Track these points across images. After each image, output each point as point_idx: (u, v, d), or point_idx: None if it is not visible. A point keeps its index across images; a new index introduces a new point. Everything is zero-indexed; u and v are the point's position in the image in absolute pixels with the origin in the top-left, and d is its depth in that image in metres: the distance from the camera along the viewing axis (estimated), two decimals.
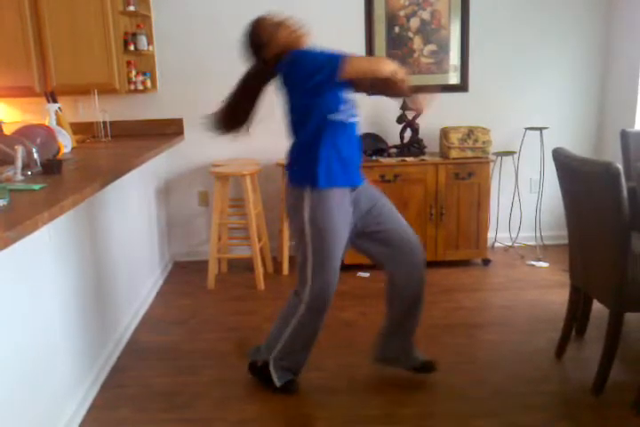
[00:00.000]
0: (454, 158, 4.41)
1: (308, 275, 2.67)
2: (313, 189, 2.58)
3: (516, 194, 4.92)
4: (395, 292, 2.85)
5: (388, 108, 4.34)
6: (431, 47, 4.72)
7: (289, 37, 2.66)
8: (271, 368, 2.82)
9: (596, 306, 3.01)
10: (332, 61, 2.43)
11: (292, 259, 4.51)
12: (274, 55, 2.67)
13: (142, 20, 4.49)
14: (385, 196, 2.84)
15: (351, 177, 2.68)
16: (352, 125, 2.63)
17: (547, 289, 4.07)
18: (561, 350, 3.12)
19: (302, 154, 2.63)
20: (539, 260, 4.66)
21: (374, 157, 4.49)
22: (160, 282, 4.42)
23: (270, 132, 4.73)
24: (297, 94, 2.60)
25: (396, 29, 4.67)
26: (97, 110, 4.35)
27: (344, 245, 2.71)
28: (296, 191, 2.64)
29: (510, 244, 5.00)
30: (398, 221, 2.84)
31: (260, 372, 2.89)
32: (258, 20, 2.76)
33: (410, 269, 2.81)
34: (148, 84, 4.55)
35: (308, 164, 2.59)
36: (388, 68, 2.47)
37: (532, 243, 4.95)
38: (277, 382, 2.80)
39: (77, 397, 2.70)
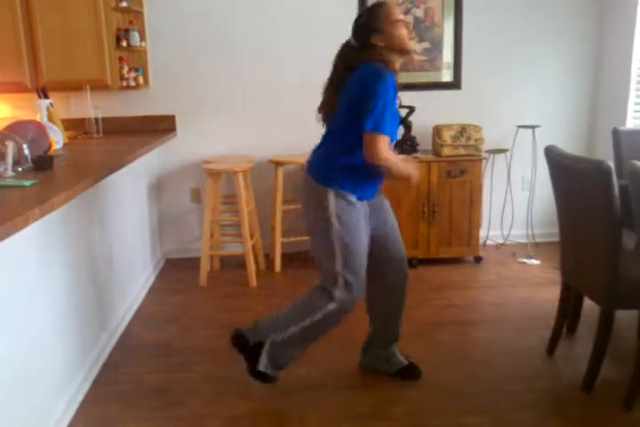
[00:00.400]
0: (447, 156, 4.41)
1: (338, 272, 2.62)
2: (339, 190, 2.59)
3: (508, 192, 4.93)
4: (375, 301, 2.90)
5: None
6: (424, 45, 4.72)
7: (394, 41, 2.53)
8: (264, 351, 2.75)
9: (588, 304, 3.02)
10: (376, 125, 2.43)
11: (284, 256, 4.52)
12: (370, 48, 2.53)
13: (135, 16, 4.47)
14: (390, 207, 2.86)
15: (373, 192, 2.72)
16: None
17: (538, 287, 4.09)
18: (552, 347, 3.13)
19: (341, 159, 2.59)
20: (530, 257, 4.67)
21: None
22: (152, 279, 4.41)
23: (263, 130, 4.75)
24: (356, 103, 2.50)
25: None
26: (89, 106, 4.33)
27: (368, 243, 2.70)
28: (321, 188, 2.60)
29: (502, 241, 5.01)
30: (396, 234, 2.86)
31: (248, 347, 2.81)
32: (387, 4, 2.56)
33: (394, 281, 2.86)
34: (141, 80, 4.53)
35: (342, 169, 2.58)
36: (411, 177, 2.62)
37: (524, 241, 4.96)
38: (261, 368, 2.76)
39: (69, 393, 2.70)
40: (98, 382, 2.96)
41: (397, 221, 2.88)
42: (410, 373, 2.93)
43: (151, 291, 4.21)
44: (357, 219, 2.61)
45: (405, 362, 2.94)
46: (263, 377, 2.79)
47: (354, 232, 2.60)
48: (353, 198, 2.59)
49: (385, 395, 2.81)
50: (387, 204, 2.84)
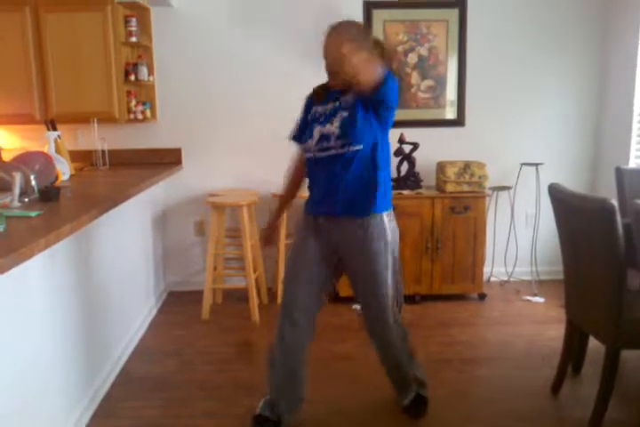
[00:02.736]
0: (450, 192, 4.42)
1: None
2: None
3: (512, 228, 4.93)
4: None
5: None
6: (428, 82, 4.77)
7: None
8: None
9: (593, 342, 3.00)
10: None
11: None
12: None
13: (143, 51, 4.54)
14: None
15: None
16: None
17: (542, 325, 4.05)
18: (557, 386, 3.09)
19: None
20: (534, 295, 4.65)
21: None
22: (154, 311, 4.39)
23: (267, 164, 4.77)
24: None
25: (394, 64, 4.73)
26: (96, 139, 4.37)
27: None
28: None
29: (506, 278, 4.99)
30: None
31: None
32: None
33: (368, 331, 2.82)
34: (148, 113, 4.59)
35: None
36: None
37: (528, 278, 4.94)
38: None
39: None
40: (97, 416, 2.92)
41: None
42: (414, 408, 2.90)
43: (153, 324, 4.18)
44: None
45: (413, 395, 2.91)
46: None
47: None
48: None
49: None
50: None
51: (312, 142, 2.58)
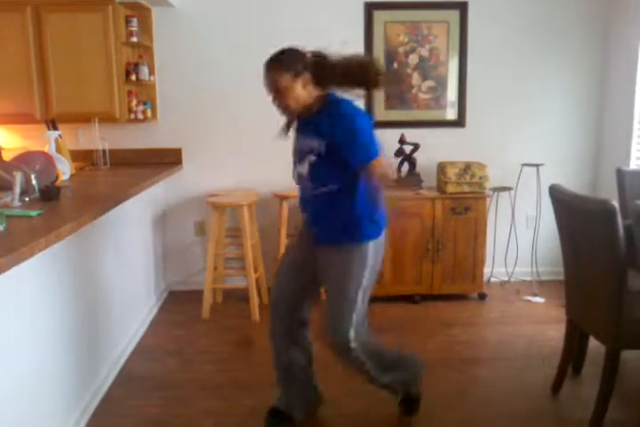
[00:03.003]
0: (451, 193, 4.43)
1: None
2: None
3: (513, 229, 4.93)
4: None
5: (385, 142, 4.37)
6: (429, 83, 4.77)
7: None
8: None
9: (593, 343, 3.00)
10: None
11: None
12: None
13: (144, 51, 4.55)
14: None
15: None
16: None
17: (543, 325, 4.05)
18: (557, 386, 3.09)
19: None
20: (535, 295, 4.65)
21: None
22: (155, 311, 4.39)
23: (268, 164, 4.78)
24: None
25: (395, 65, 4.73)
26: (97, 138, 4.38)
27: None
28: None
29: (506, 278, 4.99)
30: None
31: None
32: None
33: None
34: (149, 113, 4.59)
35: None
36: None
37: (529, 278, 4.94)
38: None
39: (67, 426, 2.67)
40: (97, 415, 2.92)
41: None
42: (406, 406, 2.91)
43: (153, 323, 4.18)
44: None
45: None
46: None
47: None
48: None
49: None
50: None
51: (294, 177, 2.67)
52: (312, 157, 2.51)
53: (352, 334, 2.56)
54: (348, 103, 2.51)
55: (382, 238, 2.63)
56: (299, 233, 2.83)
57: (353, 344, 2.56)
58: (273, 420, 2.80)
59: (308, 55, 2.54)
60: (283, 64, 2.53)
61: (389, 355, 2.78)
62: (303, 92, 2.49)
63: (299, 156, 2.60)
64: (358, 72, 2.53)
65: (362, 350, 2.60)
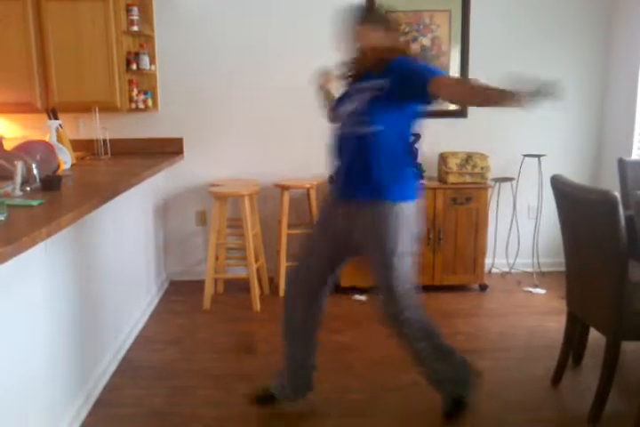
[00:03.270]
0: (453, 183, 4.42)
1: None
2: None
3: (514, 220, 4.93)
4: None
5: None
6: None
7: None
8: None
9: (593, 334, 3.00)
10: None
11: None
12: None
13: (145, 40, 4.53)
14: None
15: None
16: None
17: (543, 316, 4.06)
18: (557, 377, 3.10)
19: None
20: (536, 286, 4.65)
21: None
22: (156, 301, 4.40)
23: (269, 154, 4.77)
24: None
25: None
26: (97, 128, 4.37)
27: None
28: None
29: (507, 270, 4.99)
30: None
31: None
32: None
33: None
34: (149, 103, 4.58)
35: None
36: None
37: (530, 269, 4.94)
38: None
39: (69, 416, 2.67)
40: (98, 405, 2.93)
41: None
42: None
43: (154, 313, 4.19)
44: None
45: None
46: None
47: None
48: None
49: (386, 425, 2.78)
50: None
51: (333, 116, 2.66)
52: (370, 93, 2.46)
53: (400, 304, 2.55)
54: (410, 58, 2.53)
55: (416, 203, 2.59)
56: (326, 202, 2.77)
57: (402, 315, 2.56)
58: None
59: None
60: (383, 17, 2.63)
61: (443, 341, 2.73)
62: (384, 41, 2.52)
63: (352, 95, 2.55)
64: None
65: (413, 323, 2.59)
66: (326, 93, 2.92)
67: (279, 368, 2.86)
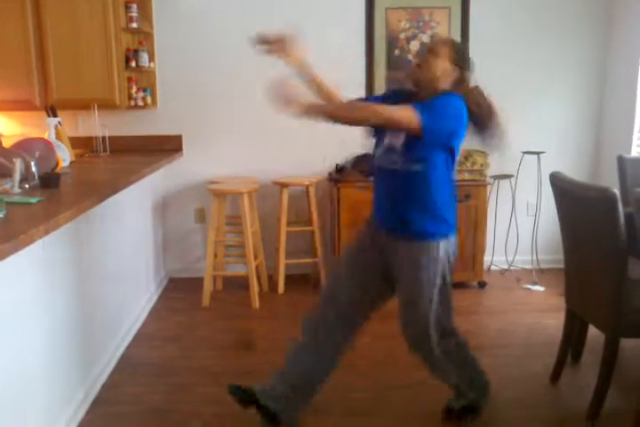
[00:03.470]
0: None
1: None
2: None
3: (513, 217, 4.92)
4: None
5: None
6: None
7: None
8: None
9: (592, 331, 3.00)
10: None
11: (287, 277, 4.51)
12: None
13: (144, 37, 4.52)
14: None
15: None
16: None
17: (542, 313, 4.06)
18: (556, 374, 3.10)
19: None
20: (535, 283, 4.65)
21: (372, 178, 4.49)
22: (155, 298, 4.40)
23: (268, 152, 4.77)
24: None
25: (396, 52, 4.70)
26: (96, 125, 4.36)
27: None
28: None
29: (506, 267, 4.99)
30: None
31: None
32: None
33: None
34: (149, 100, 4.57)
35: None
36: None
37: (529, 266, 4.94)
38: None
39: (67, 413, 2.67)
40: (97, 403, 2.93)
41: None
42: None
43: (153, 310, 4.19)
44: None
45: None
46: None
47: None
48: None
49: (388, 423, 2.78)
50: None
51: (378, 151, 2.55)
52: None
53: (431, 335, 2.52)
54: (453, 95, 2.44)
55: (454, 238, 2.53)
56: (367, 227, 2.67)
57: (432, 345, 2.53)
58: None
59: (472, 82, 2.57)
60: (458, 49, 2.57)
61: (469, 355, 2.71)
62: (442, 75, 2.46)
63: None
64: (487, 115, 2.55)
65: (441, 351, 2.57)
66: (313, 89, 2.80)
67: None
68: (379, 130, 2.57)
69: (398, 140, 2.43)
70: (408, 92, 2.58)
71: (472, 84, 2.57)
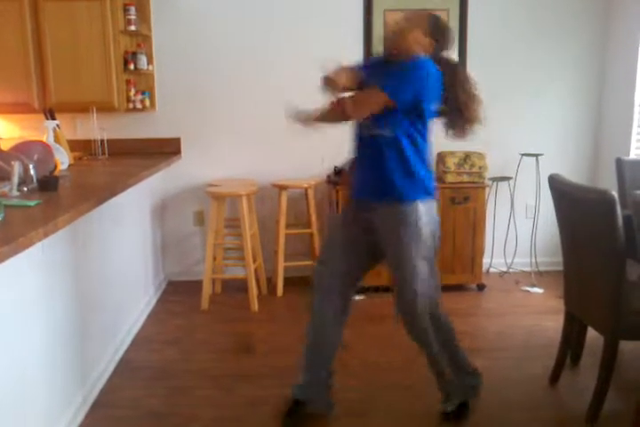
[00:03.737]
0: (450, 183, 4.42)
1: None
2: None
3: (512, 219, 4.93)
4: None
5: None
6: None
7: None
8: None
9: (591, 333, 3.00)
10: None
11: (287, 280, 4.50)
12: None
13: (143, 40, 4.52)
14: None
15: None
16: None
17: (541, 315, 4.06)
18: (555, 377, 3.10)
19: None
20: (533, 286, 4.65)
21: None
22: (153, 301, 4.39)
23: (267, 154, 4.77)
24: None
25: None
26: (95, 128, 4.36)
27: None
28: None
29: (505, 269, 4.99)
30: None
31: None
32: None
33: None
34: (147, 103, 4.57)
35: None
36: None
37: (528, 269, 4.94)
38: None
39: (66, 418, 2.66)
40: (96, 406, 2.93)
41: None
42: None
43: (152, 313, 4.19)
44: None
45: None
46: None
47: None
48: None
49: (383, 424, 2.78)
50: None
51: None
52: None
53: (418, 304, 2.56)
54: (421, 59, 2.47)
55: (433, 202, 2.59)
56: (349, 204, 2.75)
57: (420, 312, 2.56)
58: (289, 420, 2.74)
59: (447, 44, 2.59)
60: (433, 22, 2.56)
61: (458, 346, 2.73)
62: (415, 44, 2.48)
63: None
64: (465, 101, 2.62)
65: (430, 321, 2.60)
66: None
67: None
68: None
69: None
70: (384, 60, 2.61)
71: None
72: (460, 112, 2.62)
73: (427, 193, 2.57)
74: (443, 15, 4.63)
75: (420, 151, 2.56)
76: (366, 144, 2.57)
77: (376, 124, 2.49)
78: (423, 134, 2.55)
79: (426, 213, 2.54)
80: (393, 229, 2.54)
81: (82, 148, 4.42)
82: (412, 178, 2.53)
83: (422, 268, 2.56)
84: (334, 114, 2.54)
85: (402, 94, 2.40)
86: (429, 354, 2.68)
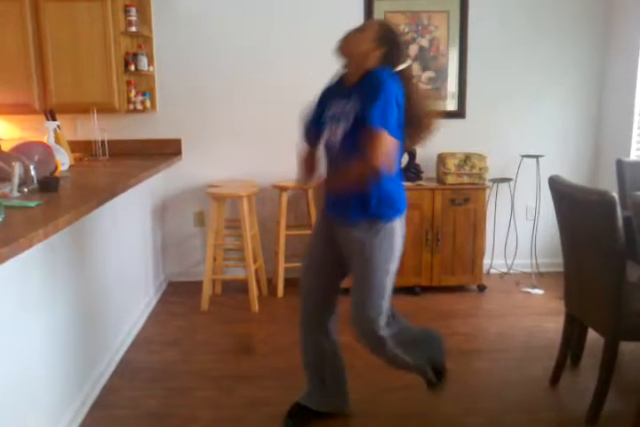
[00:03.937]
0: (451, 184, 4.42)
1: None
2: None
3: (512, 221, 4.93)
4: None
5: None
6: (429, 74, 4.75)
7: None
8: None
9: (592, 334, 3.00)
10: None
11: (287, 281, 4.50)
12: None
13: (143, 41, 4.52)
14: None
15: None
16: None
17: (542, 317, 4.06)
18: (555, 378, 3.10)
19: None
20: (534, 287, 4.65)
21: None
22: (154, 302, 4.39)
23: (268, 155, 4.77)
24: None
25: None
26: (96, 129, 4.36)
27: None
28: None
29: (506, 270, 4.99)
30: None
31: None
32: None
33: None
34: (148, 104, 4.57)
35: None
36: None
37: (528, 270, 4.94)
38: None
39: (66, 419, 2.66)
40: (96, 407, 2.92)
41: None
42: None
43: (152, 314, 4.19)
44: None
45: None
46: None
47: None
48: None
49: (384, 423, 2.78)
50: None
51: (324, 140, 2.59)
52: (344, 123, 2.45)
53: (381, 322, 2.51)
54: (383, 71, 2.44)
55: (403, 219, 2.59)
56: (321, 215, 2.75)
57: (382, 333, 2.51)
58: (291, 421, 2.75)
59: (401, 49, 2.55)
60: (383, 30, 2.50)
61: (414, 334, 2.71)
62: (365, 51, 2.44)
63: (334, 118, 2.51)
64: (417, 104, 2.59)
65: (392, 339, 2.55)
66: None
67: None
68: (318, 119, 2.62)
69: (335, 137, 2.50)
70: (338, 82, 2.60)
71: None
72: (416, 125, 2.60)
73: (398, 211, 2.57)
74: (443, 17, 4.67)
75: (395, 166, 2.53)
76: (338, 163, 2.51)
77: (348, 147, 2.46)
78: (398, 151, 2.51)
79: (400, 229, 2.56)
80: (363, 248, 2.50)
81: (82, 149, 4.42)
82: (385, 196, 2.51)
83: (388, 287, 2.54)
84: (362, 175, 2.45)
85: (390, 125, 2.36)
86: (388, 360, 2.65)
